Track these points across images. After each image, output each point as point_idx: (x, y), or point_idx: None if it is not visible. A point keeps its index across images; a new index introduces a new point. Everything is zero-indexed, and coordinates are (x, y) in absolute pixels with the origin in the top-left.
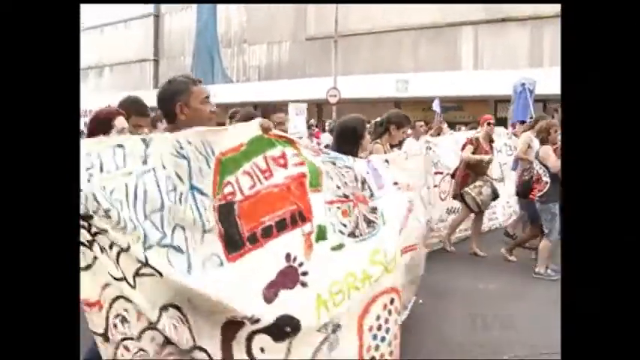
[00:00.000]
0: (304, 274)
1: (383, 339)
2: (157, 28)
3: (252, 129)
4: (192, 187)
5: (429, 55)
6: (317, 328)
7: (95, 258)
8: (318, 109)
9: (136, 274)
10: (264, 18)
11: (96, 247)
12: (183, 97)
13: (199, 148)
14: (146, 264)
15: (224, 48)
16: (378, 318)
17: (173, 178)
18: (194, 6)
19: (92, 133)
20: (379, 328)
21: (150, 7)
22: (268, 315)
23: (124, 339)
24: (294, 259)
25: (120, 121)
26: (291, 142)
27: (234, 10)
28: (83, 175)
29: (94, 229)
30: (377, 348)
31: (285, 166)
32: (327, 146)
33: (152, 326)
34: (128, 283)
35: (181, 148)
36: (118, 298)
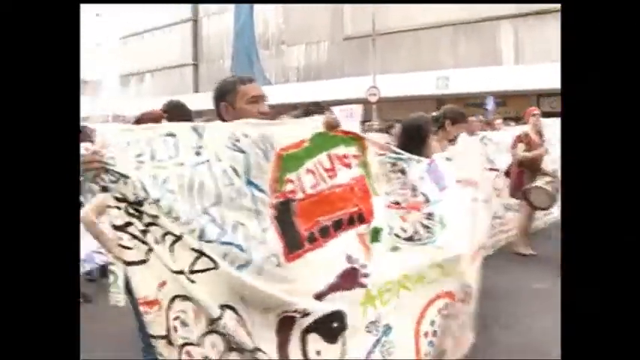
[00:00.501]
0: (365, 275)
1: (431, 343)
2: (195, 32)
3: (314, 125)
4: (250, 183)
5: (468, 51)
6: (365, 326)
7: (150, 250)
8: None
9: (193, 268)
10: (301, 19)
11: (150, 238)
12: (229, 98)
13: (257, 141)
14: (203, 254)
15: (262, 50)
16: (432, 323)
17: (229, 172)
18: (231, 9)
19: None
20: (434, 334)
21: (187, 12)
22: (318, 310)
23: (184, 344)
24: (356, 260)
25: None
26: (357, 138)
27: (271, 11)
28: (131, 163)
29: (146, 219)
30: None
31: (349, 165)
32: None
33: (212, 329)
34: (187, 277)
35: (237, 140)
36: (176, 297)
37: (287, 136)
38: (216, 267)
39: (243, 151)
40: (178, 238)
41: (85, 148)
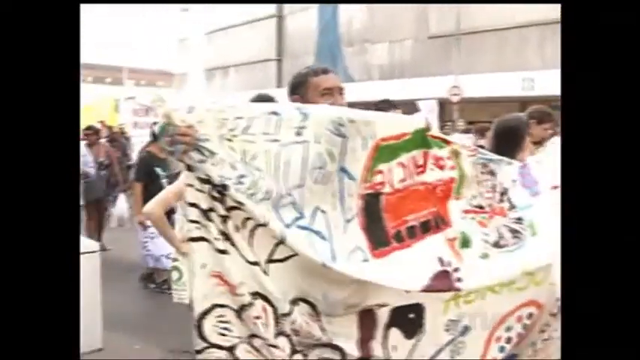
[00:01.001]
0: (459, 280)
1: (502, 349)
2: (280, 28)
3: (417, 121)
4: (342, 169)
5: (555, 52)
6: (444, 324)
7: (228, 240)
8: (440, 109)
9: (270, 258)
10: (385, 17)
11: (230, 225)
12: (300, 91)
13: (361, 129)
14: (284, 242)
15: (346, 47)
16: (508, 329)
17: (324, 155)
18: (316, 6)
19: None
20: (508, 340)
21: (272, 9)
22: (398, 302)
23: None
24: (449, 263)
25: None
26: (447, 142)
27: (356, 9)
28: (223, 139)
29: (229, 202)
30: None
31: (442, 167)
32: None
33: (279, 330)
34: (262, 269)
35: (342, 125)
36: (256, 293)
37: (390, 127)
38: (294, 255)
39: (344, 136)
40: (261, 224)
41: (180, 120)
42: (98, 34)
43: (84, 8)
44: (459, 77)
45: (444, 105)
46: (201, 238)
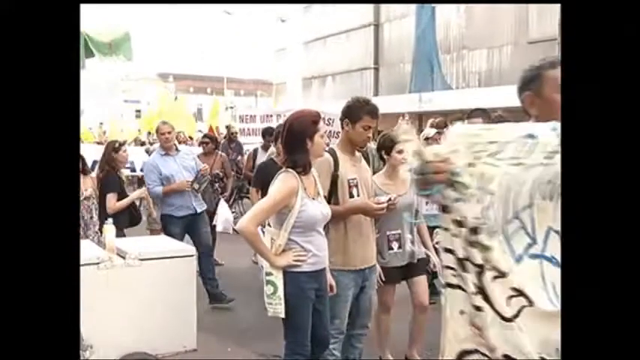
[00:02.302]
0: None
1: None
2: (377, 36)
3: None
4: None
5: None
6: None
7: (483, 294)
8: None
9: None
10: (483, 22)
11: (487, 277)
12: (533, 85)
13: None
14: (519, 292)
15: (443, 54)
16: None
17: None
18: (413, 14)
19: (294, 136)
20: None
21: (369, 17)
22: None
23: None
24: None
25: (322, 125)
26: None
27: (453, 15)
28: (466, 168)
29: (480, 247)
30: None
31: None
32: None
33: None
34: (517, 325)
35: None
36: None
37: None
38: (530, 304)
39: None
40: (497, 272)
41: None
42: (199, 46)
43: (185, 19)
44: None
45: None
46: (459, 287)
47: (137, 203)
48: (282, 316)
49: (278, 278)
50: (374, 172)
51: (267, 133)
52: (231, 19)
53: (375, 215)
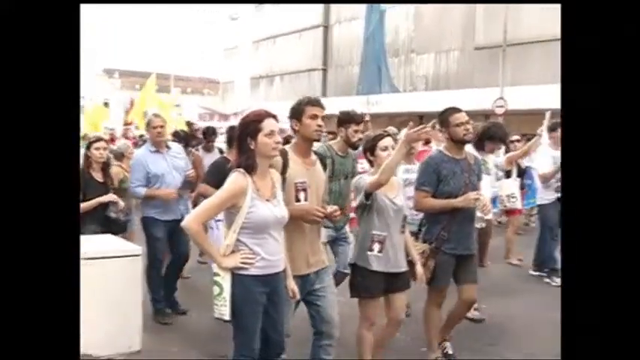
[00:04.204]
0: None
1: None
2: (326, 38)
3: None
4: None
5: None
6: None
7: None
8: (485, 120)
9: None
10: (432, 27)
11: None
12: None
13: None
14: None
15: (391, 57)
16: None
17: None
18: (362, 16)
19: (240, 136)
20: None
21: (319, 18)
22: None
23: None
24: None
25: (268, 123)
26: None
27: (402, 19)
28: None
29: None
30: None
31: None
32: None
33: None
34: None
35: None
36: None
37: None
38: None
39: None
40: None
41: None
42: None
43: (134, 16)
44: (505, 89)
45: (488, 117)
46: None
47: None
48: (227, 318)
49: (225, 280)
50: None
51: (207, 133)
52: (181, 16)
53: (310, 222)
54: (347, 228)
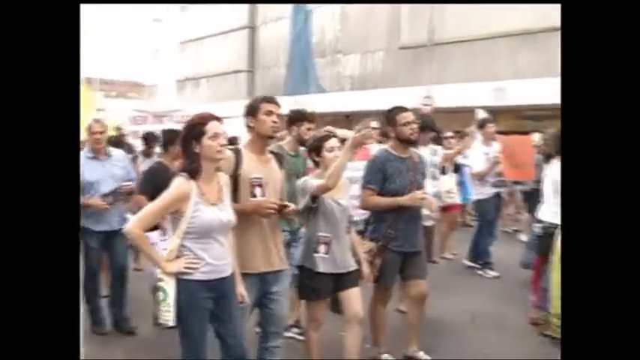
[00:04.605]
0: None
1: None
2: (252, 39)
3: None
4: None
5: (527, 62)
6: None
7: None
8: None
9: None
10: (357, 28)
11: None
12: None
13: None
14: None
15: (318, 58)
16: None
17: None
18: (288, 17)
19: (184, 139)
20: None
21: (245, 19)
22: None
23: None
24: None
25: (213, 126)
26: None
27: (328, 20)
28: None
29: None
30: None
31: None
32: None
33: None
34: None
35: None
36: None
37: None
38: None
39: None
40: None
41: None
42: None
43: None
44: (431, 87)
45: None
46: None
47: None
48: (171, 324)
49: (169, 285)
50: None
51: (147, 138)
52: (104, 16)
53: (265, 215)
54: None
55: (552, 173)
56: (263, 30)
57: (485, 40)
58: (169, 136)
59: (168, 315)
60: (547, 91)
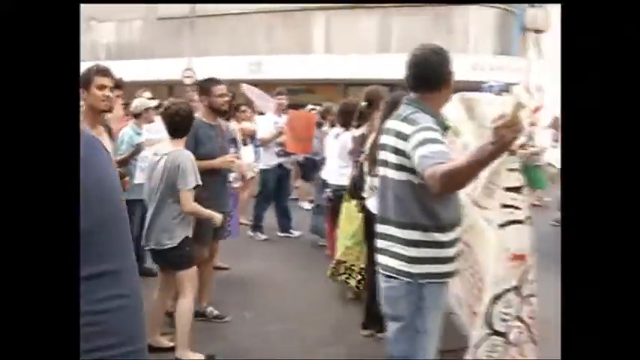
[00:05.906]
0: None
1: None
2: None
3: None
4: None
5: (282, 39)
6: None
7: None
8: (169, 91)
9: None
10: None
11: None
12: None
13: None
14: None
15: None
16: None
17: None
18: None
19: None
20: None
21: None
22: None
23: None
24: None
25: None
26: None
27: None
28: None
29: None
30: None
31: None
32: None
33: None
34: None
35: None
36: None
37: None
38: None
39: None
40: None
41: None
42: None
43: None
44: (193, 59)
45: (173, 87)
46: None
47: None
48: None
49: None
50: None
51: None
52: None
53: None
54: None
55: (341, 140)
56: None
57: (245, 14)
58: None
59: None
60: (301, 66)
